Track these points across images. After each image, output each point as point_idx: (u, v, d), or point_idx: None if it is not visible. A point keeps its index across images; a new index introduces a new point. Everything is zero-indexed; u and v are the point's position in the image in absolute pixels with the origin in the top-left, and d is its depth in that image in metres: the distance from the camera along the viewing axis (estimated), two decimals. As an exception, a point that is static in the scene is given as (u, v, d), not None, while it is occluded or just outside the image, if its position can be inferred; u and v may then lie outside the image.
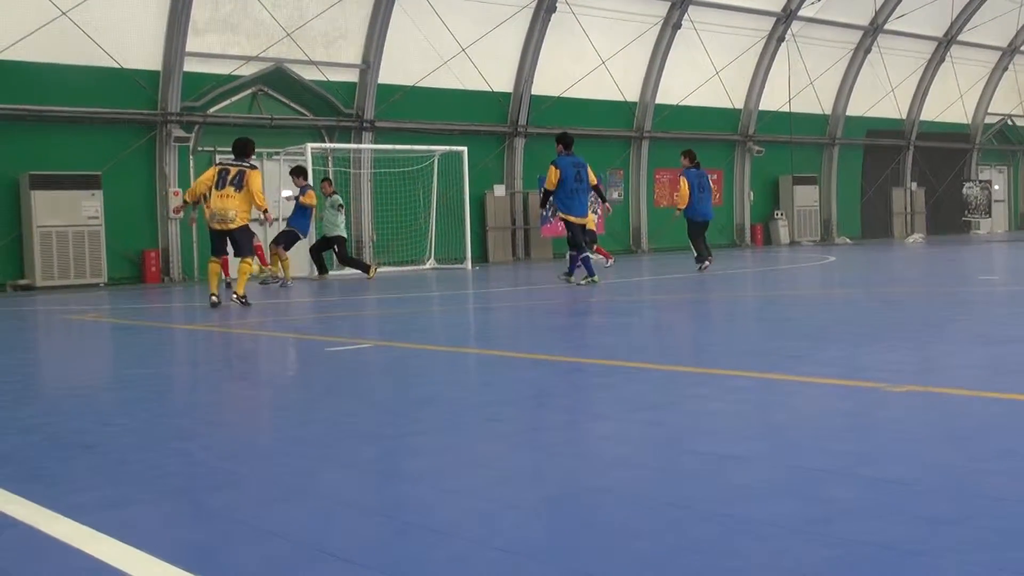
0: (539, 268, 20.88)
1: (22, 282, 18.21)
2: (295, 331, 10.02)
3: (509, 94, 24.34)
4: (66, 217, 18.00)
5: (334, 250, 18.17)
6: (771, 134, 29.70)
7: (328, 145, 21.09)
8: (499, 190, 23.98)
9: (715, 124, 28.69)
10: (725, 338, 8.07)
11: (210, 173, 12.52)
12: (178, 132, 19.35)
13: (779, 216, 30.20)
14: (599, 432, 4.43)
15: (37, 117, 18.23)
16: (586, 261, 14.03)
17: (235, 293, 12.48)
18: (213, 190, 12.26)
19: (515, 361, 6.92)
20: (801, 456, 3.75)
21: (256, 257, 15.52)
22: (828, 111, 31.30)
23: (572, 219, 14.10)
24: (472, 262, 21.32)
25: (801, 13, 28.51)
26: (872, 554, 2.59)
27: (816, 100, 30.63)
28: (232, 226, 12.26)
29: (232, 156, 12.66)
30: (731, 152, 29.52)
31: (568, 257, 14.37)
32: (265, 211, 12.61)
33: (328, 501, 3.34)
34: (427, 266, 21.15)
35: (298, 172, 17.62)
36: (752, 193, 29.80)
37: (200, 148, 19.97)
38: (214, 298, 12.33)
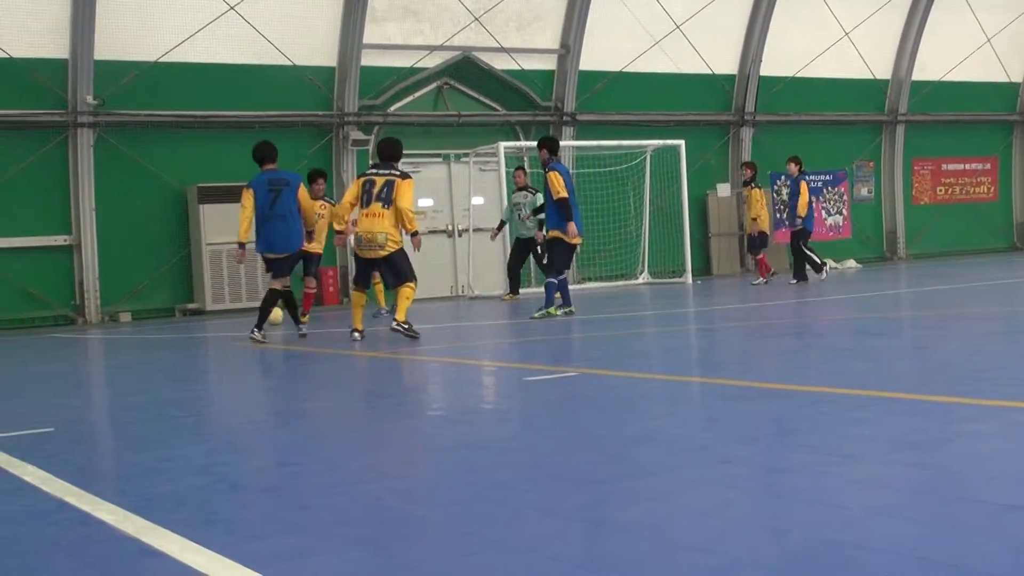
0: (784, 280, 20.53)
1: (191, 306, 19.25)
2: (487, 358, 10.20)
3: (733, 76, 24.10)
4: (237, 233, 18.85)
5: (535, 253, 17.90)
6: (1059, 111, 28.30)
7: (523, 144, 21.40)
8: (723, 189, 23.74)
9: (987, 102, 27.54)
10: (1004, 362, 7.73)
11: (354, 188, 11.83)
12: (356, 134, 20.08)
13: (1073, 213, 28.72)
14: (851, 476, 4.33)
15: (203, 123, 19.28)
16: (563, 287, 13.66)
17: (395, 320, 11.46)
18: (359, 209, 11.53)
19: (746, 391, 6.83)
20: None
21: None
22: None
23: (572, 238, 13.49)
24: (693, 275, 21.18)
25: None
26: None
27: (1117, 67, 29.02)
28: (383, 252, 11.35)
29: (378, 163, 11.96)
30: (1008, 135, 28.26)
31: (545, 286, 13.78)
32: (414, 233, 11.39)
33: (531, 555, 3.39)
34: (640, 281, 21.17)
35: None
36: (1038, 185, 28.45)
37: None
38: (357, 334, 11.71)
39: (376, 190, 11.31)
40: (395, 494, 4.45)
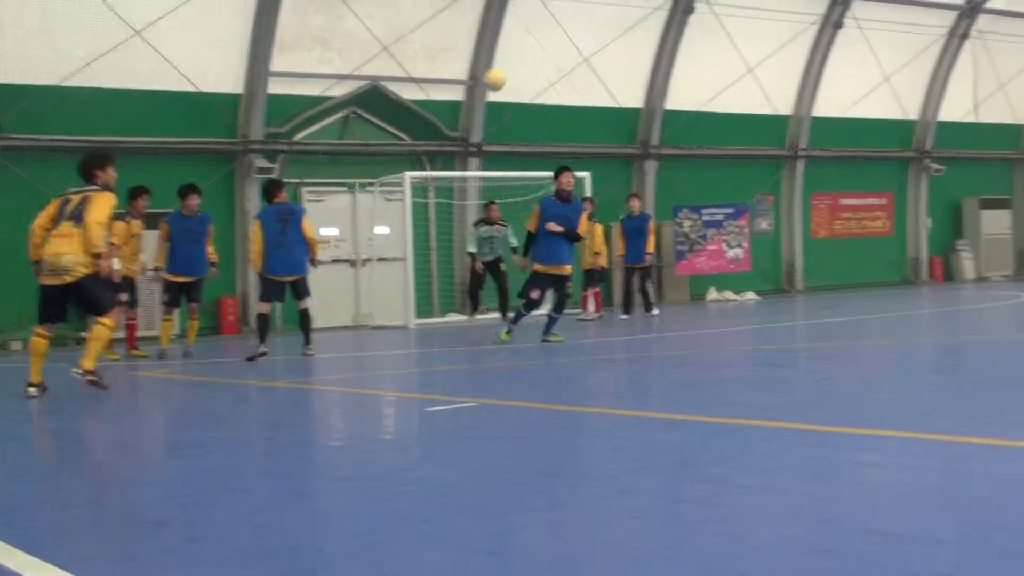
0: (677, 312, 20.71)
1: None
2: (389, 388, 10.13)
3: (639, 110, 24.34)
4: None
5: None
6: (952, 149, 28.99)
7: (429, 173, 21.36)
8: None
9: (884, 139, 28.16)
10: (899, 394, 7.87)
11: (49, 208, 10.01)
12: (260, 162, 19.84)
13: (962, 247, 29.42)
14: (751, 506, 4.34)
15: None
16: (518, 317, 13.97)
17: (79, 367, 9.54)
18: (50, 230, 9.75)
19: (650, 422, 6.86)
20: (997, 535, 3.61)
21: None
22: (1023, 121, 30.47)
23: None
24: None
25: (988, 5, 27.89)
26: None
27: (1008, 108, 29.85)
28: (69, 278, 9.51)
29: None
30: (904, 171, 28.91)
31: (517, 312, 13.96)
32: (98, 255, 9.52)
33: (431, 587, 3.34)
34: (543, 312, 21.11)
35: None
36: (930, 220, 29.11)
37: (285, 180, 20.45)
38: (33, 390, 9.60)
39: (70, 208, 9.72)
40: (292, 526, 4.36)
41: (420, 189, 20.83)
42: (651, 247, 18.81)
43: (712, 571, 3.40)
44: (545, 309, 14.26)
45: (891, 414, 6.69)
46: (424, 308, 20.27)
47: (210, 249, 14.53)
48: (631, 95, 24.10)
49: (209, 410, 9.17)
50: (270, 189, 13.67)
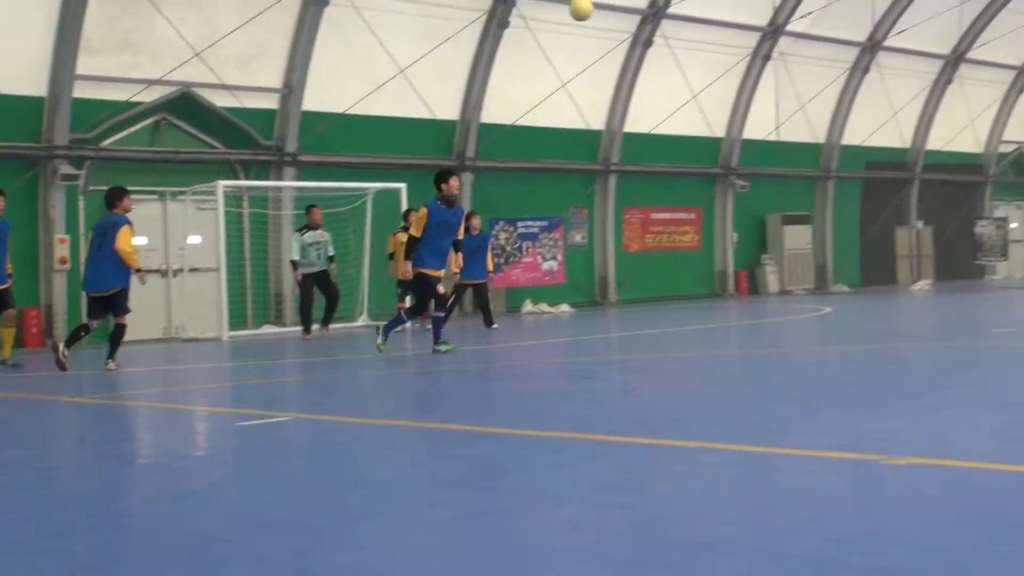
0: (501, 323, 20.88)
1: None
2: (201, 403, 9.95)
3: (455, 122, 24.48)
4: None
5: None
6: (757, 166, 30.06)
7: (243, 183, 21.03)
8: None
9: (693, 155, 29.00)
10: (704, 404, 8.13)
11: None
12: (66, 168, 19.22)
13: (767, 261, 30.50)
14: (557, 518, 4.43)
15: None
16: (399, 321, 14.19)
17: None
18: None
19: (458, 435, 6.91)
20: (788, 542, 3.78)
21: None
22: (822, 140, 31.77)
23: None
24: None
25: (790, 28, 29.02)
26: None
27: (808, 127, 31.10)
28: None
29: None
30: (711, 187, 29.82)
31: (434, 320, 13.71)
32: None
33: (234, 606, 3.31)
34: (359, 323, 21.07)
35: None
36: (736, 235, 30.09)
37: (91, 188, 19.86)
38: None
39: None
40: (91, 548, 4.26)
41: (234, 198, 20.49)
42: (490, 265, 18.83)
43: (514, 583, 3.46)
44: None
45: (695, 424, 6.91)
46: (238, 320, 19.95)
47: (8, 260, 13.89)
48: (447, 107, 24.23)
49: (6, 426, 8.83)
50: (110, 197, 13.06)
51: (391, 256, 19.48)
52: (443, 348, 13.22)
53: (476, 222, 18.88)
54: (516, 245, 24.99)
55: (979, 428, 6.23)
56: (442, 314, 13.57)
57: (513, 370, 11.86)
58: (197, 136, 21.08)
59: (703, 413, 7.51)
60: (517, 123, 24.99)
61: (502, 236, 24.48)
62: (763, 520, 4.21)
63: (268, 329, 20.43)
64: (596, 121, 26.89)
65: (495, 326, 18.66)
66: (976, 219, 36.44)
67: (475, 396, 9.60)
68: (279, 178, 21.68)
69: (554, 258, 25.54)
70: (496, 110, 24.64)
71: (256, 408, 8.96)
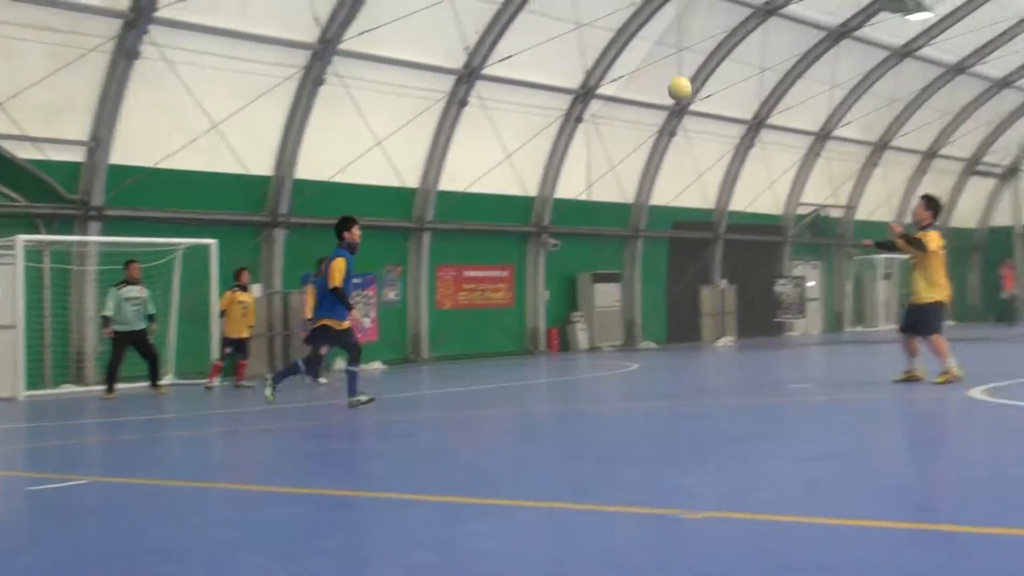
0: (297, 381, 20.68)
1: None
2: (-3, 465, 9.57)
3: (269, 178, 24.26)
4: None
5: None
6: (569, 225, 30.65)
7: (44, 237, 20.34)
8: (255, 290, 23.70)
9: (506, 214, 29.38)
10: (511, 462, 8.23)
11: None
12: None
13: (577, 318, 31.06)
14: (359, 580, 4.45)
15: None
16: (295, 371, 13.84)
17: None
18: None
19: (265, 496, 6.84)
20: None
21: None
22: (631, 200, 32.61)
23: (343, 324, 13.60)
24: (224, 376, 20.89)
25: (601, 91, 29.81)
26: None
27: (618, 187, 31.89)
28: None
29: None
30: (523, 245, 30.24)
31: (348, 374, 13.38)
32: None
33: None
34: (165, 382, 20.55)
35: None
36: (547, 292, 30.56)
37: None
38: None
39: None
40: None
41: (34, 253, 19.79)
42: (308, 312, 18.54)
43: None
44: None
45: (502, 482, 7.00)
46: (35, 378, 19.22)
47: None
48: (261, 163, 24.00)
49: None
50: None
51: (223, 313, 19.29)
52: (363, 399, 13.00)
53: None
54: (330, 302, 24.80)
55: (774, 482, 6.49)
56: (356, 368, 13.20)
57: (323, 428, 11.77)
58: (-3, 188, 20.35)
59: (510, 471, 7.62)
60: (332, 180, 24.92)
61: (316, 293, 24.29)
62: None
63: (68, 388, 19.75)
64: (411, 179, 27.03)
65: (324, 381, 18.57)
66: (776, 278, 37.92)
67: (285, 455, 9.49)
68: (84, 233, 21.03)
69: (367, 315, 25.46)
70: (311, 167, 24.53)
71: (53, 471, 8.67)
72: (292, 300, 24.17)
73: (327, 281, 13.15)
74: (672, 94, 13.26)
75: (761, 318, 37.07)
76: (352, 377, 13.10)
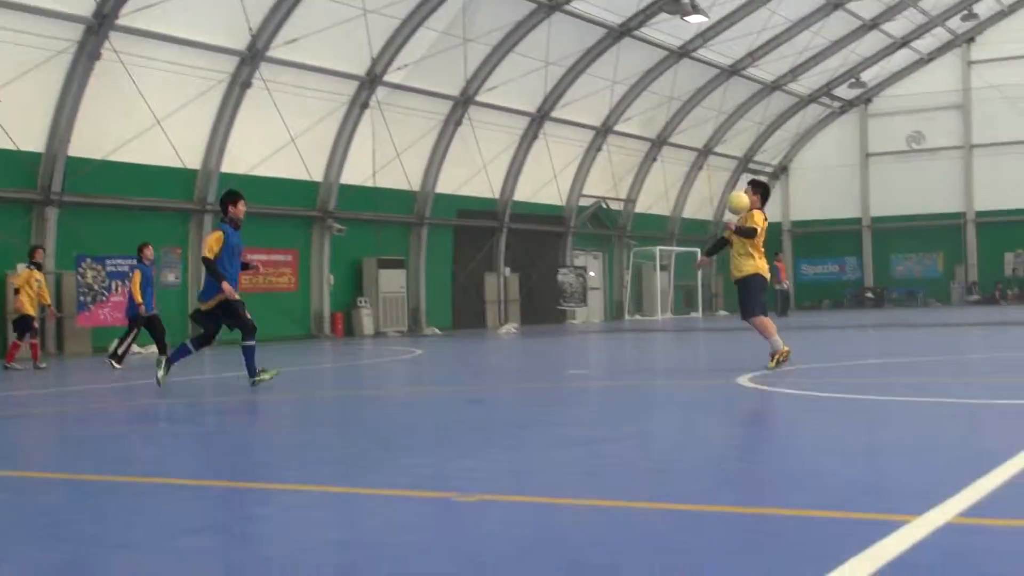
0: (75, 364, 19.93)
1: None
2: None
3: (40, 154, 23.26)
4: None
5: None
6: (354, 211, 30.51)
7: None
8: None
9: (290, 198, 29.02)
10: (289, 446, 8.14)
11: None
12: None
13: (363, 303, 30.96)
14: (127, 568, 4.32)
15: None
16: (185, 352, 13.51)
17: None
18: None
19: (27, 483, 6.58)
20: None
21: None
22: (417, 188, 32.68)
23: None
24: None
25: (387, 79, 29.72)
26: None
27: (404, 175, 31.89)
28: None
29: None
30: (308, 230, 29.94)
31: (245, 350, 12.87)
32: None
33: None
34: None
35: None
36: (332, 277, 30.35)
37: None
38: None
39: None
40: None
41: None
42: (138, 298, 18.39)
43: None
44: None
45: (280, 467, 6.91)
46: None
47: None
48: (32, 139, 23.01)
49: None
50: None
51: (17, 291, 18.63)
52: (267, 376, 12.73)
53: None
54: (104, 284, 24.01)
55: (549, 465, 6.61)
56: (252, 342, 12.84)
57: (96, 413, 11.37)
58: None
59: (288, 455, 7.53)
60: (109, 158, 24.10)
61: (89, 274, 23.46)
62: (335, 559, 4.29)
63: None
64: (192, 160, 26.38)
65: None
66: (558, 268, 38.64)
67: (51, 441, 9.13)
68: None
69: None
70: (87, 144, 23.66)
71: None
72: (65, 281, 23.29)
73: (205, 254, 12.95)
74: (732, 209, 13.33)
75: (544, 306, 37.74)
76: (250, 353, 12.77)
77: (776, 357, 12.69)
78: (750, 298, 13.10)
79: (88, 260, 23.61)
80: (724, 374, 12.60)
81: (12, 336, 19.23)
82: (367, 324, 30.87)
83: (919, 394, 9.93)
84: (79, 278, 23.37)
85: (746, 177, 48.27)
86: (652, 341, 24.76)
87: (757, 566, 3.83)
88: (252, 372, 12.72)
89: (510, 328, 33.22)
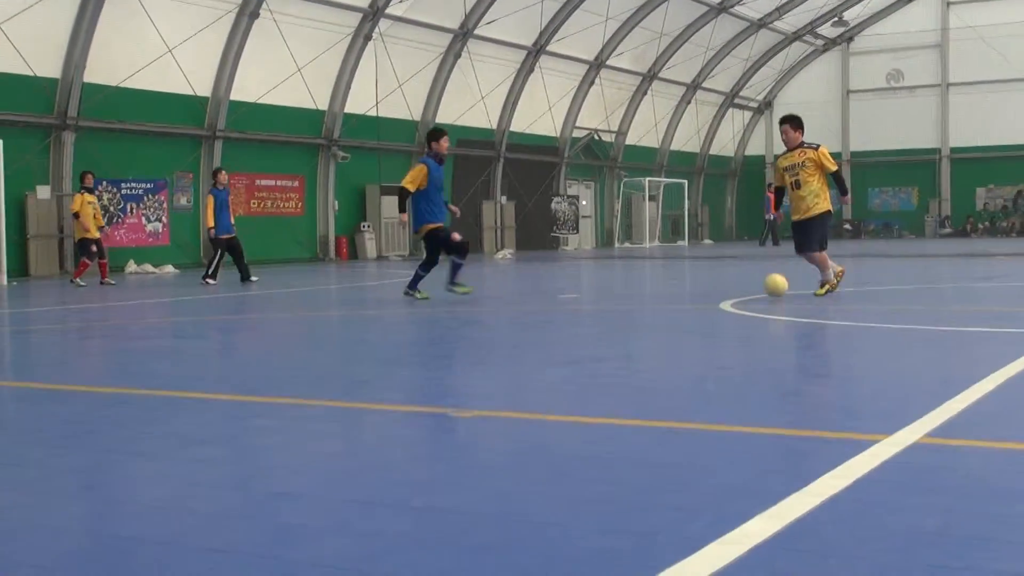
0: (98, 284, 19.95)
1: None
2: None
3: (56, 80, 23.06)
4: None
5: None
6: (358, 139, 30.35)
7: None
8: (43, 192, 22.63)
9: (297, 126, 28.86)
10: (296, 363, 8.16)
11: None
12: None
13: (366, 228, 30.90)
14: (137, 473, 4.34)
15: None
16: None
17: None
18: None
19: (48, 394, 6.59)
20: (356, 489, 3.90)
21: None
22: (418, 117, 32.48)
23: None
24: (8, 276, 19.93)
25: (389, 11, 29.39)
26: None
27: (405, 105, 31.68)
28: None
29: None
30: (314, 157, 29.81)
31: (453, 265, 13.65)
32: None
33: None
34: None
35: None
36: (337, 203, 30.27)
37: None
38: None
39: None
40: None
41: None
42: (210, 220, 18.76)
43: (96, 536, 3.37)
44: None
45: (285, 382, 6.93)
46: None
47: None
48: (48, 65, 22.79)
49: None
50: None
51: (76, 215, 19.01)
52: (459, 290, 13.43)
53: (224, 178, 19.05)
54: (120, 206, 23.95)
55: (539, 383, 6.64)
56: (462, 260, 13.57)
57: (114, 329, 11.39)
58: None
59: (294, 371, 7.55)
60: (122, 85, 23.90)
61: (105, 197, 23.37)
62: (337, 470, 4.31)
63: None
64: (202, 88, 26.17)
65: (254, 279, 18.83)
66: (552, 196, 38.53)
67: (71, 355, 9.16)
68: None
69: (159, 220, 24.70)
70: (99, 70, 23.46)
71: None
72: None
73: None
74: (770, 291, 12.85)
75: (538, 233, 37.71)
76: (456, 268, 13.63)
77: (827, 287, 12.47)
78: (816, 233, 12.80)
79: (104, 183, 23.50)
80: (709, 299, 12.62)
81: (80, 256, 19.57)
82: (370, 248, 30.85)
83: (893, 321, 9.95)
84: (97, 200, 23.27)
85: (732, 112, 48.14)
86: (641, 268, 24.78)
87: (732, 480, 3.86)
88: (453, 280, 13.63)
89: (505, 254, 33.20)
